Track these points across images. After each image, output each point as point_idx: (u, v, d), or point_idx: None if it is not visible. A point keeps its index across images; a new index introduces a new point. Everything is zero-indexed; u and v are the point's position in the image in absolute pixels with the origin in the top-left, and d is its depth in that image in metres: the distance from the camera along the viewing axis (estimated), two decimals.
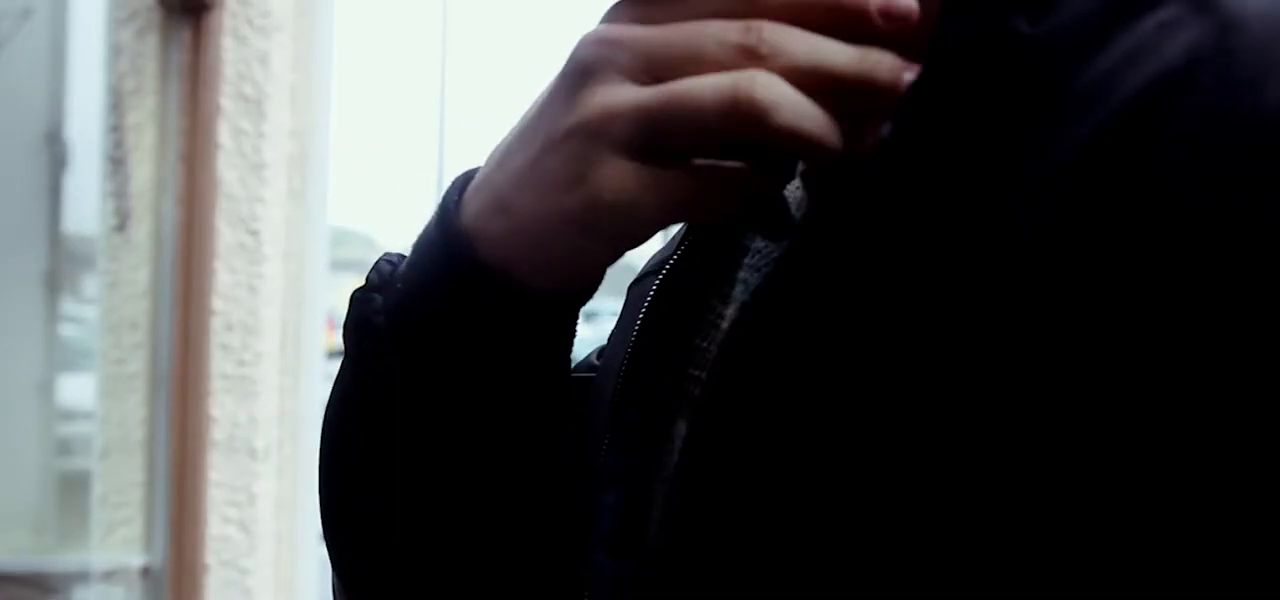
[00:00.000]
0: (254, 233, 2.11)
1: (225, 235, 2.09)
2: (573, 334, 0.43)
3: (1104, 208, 0.31)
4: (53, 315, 2.23)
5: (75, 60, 2.25)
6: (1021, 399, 0.31)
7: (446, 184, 0.42)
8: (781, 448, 0.35)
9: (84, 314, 2.32)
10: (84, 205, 2.19)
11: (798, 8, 0.34)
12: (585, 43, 0.36)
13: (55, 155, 2.22)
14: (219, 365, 2.07)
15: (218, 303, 2.08)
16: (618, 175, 0.35)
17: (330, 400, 0.45)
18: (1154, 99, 0.32)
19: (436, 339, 0.40)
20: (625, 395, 0.46)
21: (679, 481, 0.39)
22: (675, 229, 0.48)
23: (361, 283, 0.44)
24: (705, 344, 0.44)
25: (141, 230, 2.06)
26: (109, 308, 2.06)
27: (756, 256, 0.45)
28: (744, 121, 0.33)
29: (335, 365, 0.45)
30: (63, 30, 2.27)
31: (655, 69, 0.35)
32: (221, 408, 2.08)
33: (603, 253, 0.38)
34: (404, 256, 0.43)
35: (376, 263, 0.44)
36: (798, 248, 0.38)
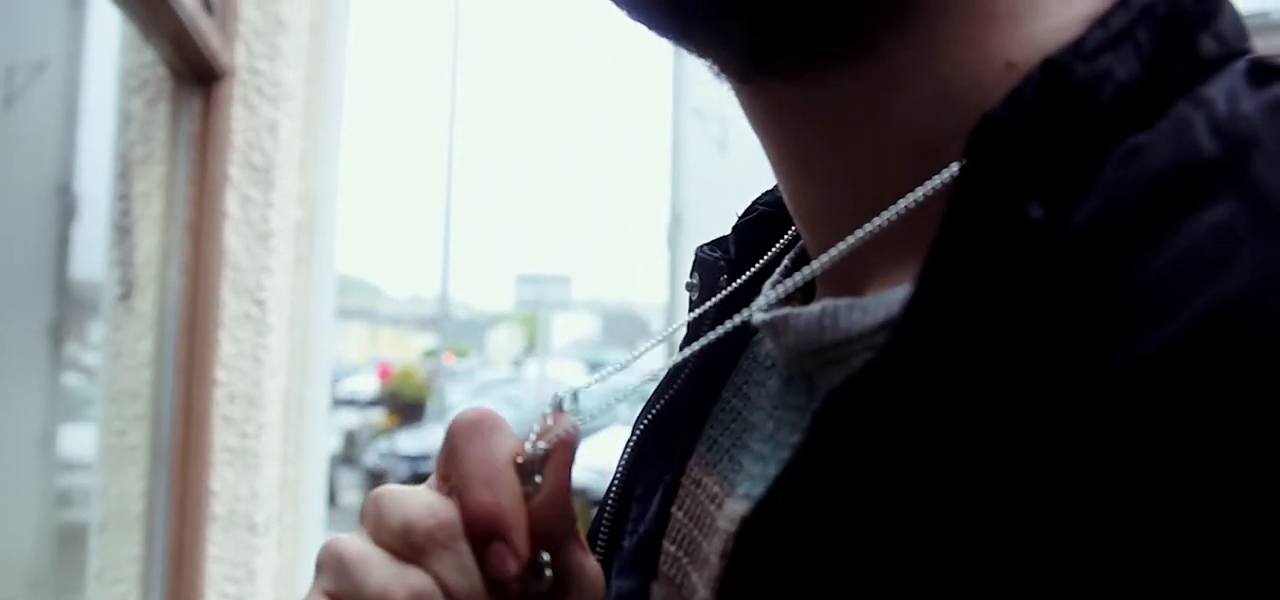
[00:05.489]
0: (259, 303, 2.08)
1: (230, 305, 2.07)
2: None
3: (1168, 441, 0.29)
4: (57, 366, 2.21)
5: (87, 113, 2.25)
6: None
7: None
8: None
9: (88, 361, 2.30)
10: (92, 258, 2.17)
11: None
12: (318, 557, 0.42)
13: (65, 206, 2.22)
14: (221, 437, 2.04)
15: (221, 374, 2.05)
16: None
17: None
18: (1221, 327, 0.29)
19: None
20: (616, 528, 0.52)
21: None
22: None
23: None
24: (680, 513, 0.47)
25: (146, 300, 2.03)
26: (111, 378, 2.03)
27: (725, 413, 0.48)
28: None
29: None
30: (77, 83, 2.27)
31: (346, 593, 0.40)
32: (222, 481, 2.05)
33: None
34: None
35: None
36: (804, 456, 0.36)
